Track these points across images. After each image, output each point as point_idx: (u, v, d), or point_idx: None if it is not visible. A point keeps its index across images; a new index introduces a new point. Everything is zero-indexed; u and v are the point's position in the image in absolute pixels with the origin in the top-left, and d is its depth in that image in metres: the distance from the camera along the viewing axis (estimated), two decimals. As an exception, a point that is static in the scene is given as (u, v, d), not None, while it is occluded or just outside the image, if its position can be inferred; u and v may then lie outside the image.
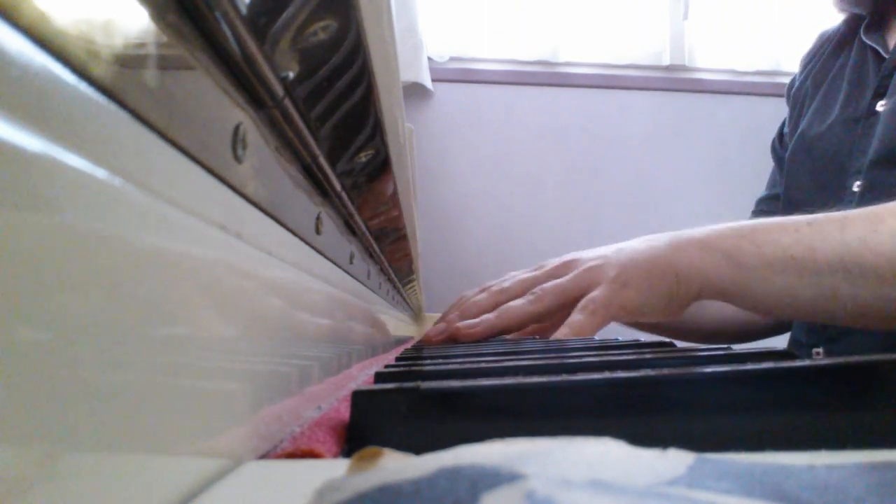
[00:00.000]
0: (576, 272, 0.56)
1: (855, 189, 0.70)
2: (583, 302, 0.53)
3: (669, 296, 0.53)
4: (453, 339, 0.58)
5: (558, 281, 0.56)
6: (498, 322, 0.56)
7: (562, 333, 0.53)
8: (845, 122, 0.74)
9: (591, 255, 0.57)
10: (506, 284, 0.59)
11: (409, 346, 0.85)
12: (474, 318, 0.58)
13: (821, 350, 0.73)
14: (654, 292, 0.53)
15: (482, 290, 0.62)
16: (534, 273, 0.59)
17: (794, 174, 0.82)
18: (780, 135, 0.92)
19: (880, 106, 0.70)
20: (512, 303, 0.56)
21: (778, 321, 0.83)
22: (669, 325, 0.80)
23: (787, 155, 0.84)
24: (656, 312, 0.54)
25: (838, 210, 0.73)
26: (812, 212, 0.77)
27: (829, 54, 0.83)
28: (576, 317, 0.53)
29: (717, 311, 0.81)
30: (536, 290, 0.56)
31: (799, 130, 0.82)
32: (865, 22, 0.78)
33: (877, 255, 0.47)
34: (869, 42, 0.76)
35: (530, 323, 0.56)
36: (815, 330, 0.74)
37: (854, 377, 0.20)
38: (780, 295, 0.50)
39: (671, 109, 1.89)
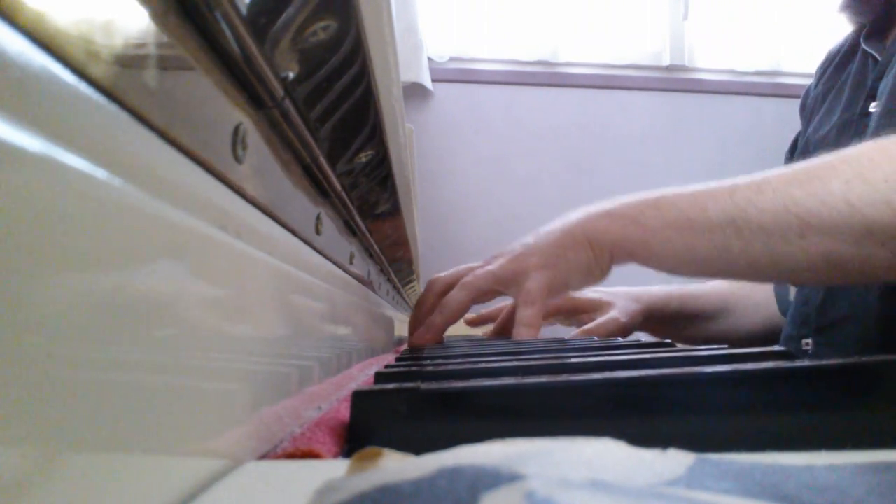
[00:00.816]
0: (503, 259, 0.62)
1: None
2: (521, 298, 0.60)
3: (588, 264, 0.59)
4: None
5: (487, 267, 0.62)
6: (441, 320, 0.62)
7: (517, 332, 0.60)
8: (842, 125, 0.77)
9: (514, 245, 0.64)
10: (441, 275, 0.66)
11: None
12: (423, 317, 0.65)
13: (809, 341, 0.75)
14: (573, 264, 0.59)
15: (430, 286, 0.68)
16: (468, 265, 0.66)
17: None
18: (793, 148, 0.93)
19: (873, 107, 0.71)
20: (447, 296, 0.63)
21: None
22: (693, 335, 0.86)
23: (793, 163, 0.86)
24: (581, 281, 0.61)
25: None
26: None
27: (838, 64, 0.84)
28: (522, 313, 0.59)
29: (745, 321, 0.85)
30: (468, 276, 0.62)
31: (803, 139, 0.84)
32: (866, 30, 0.79)
33: (761, 211, 0.52)
34: (868, 49, 0.77)
35: (468, 308, 0.63)
36: (804, 322, 0.76)
37: (854, 377, 0.20)
38: (680, 252, 0.56)
39: (671, 109, 1.89)
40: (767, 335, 0.87)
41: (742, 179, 0.56)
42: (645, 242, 0.57)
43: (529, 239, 0.63)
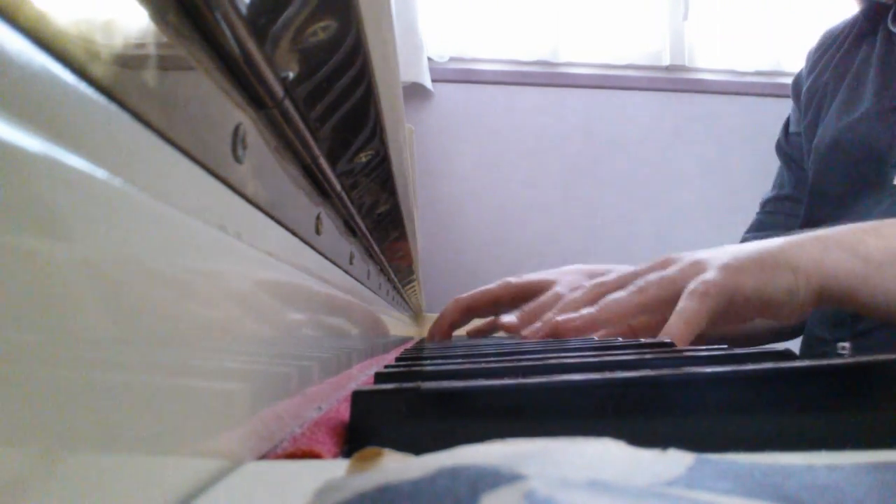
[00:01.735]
0: (681, 264, 0.51)
1: None
2: (691, 285, 0.47)
3: (789, 292, 0.46)
4: (554, 335, 0.55)
5: (664, 272, 0.51)
6: (599, 315, 0.52)
7: (672, 324, 0.47)
8: (880, 112, 0.71)
9: (692, 253, 0.53)
10: (605, 279, 0.56)
11: (409, 346, 0.85)
12: (576, 305, 0.54)
13: (847, 345, 0.70)
14: (770, 284, 0.46)
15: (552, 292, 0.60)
16: (633, 269, 0.55)
17: (823, 169, 0.78)
18: (786, 133, 0.91)
19: None
20: (613, 294, 0.52)
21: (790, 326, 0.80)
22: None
23: (811, 149, 0.81)
24: (774, 308, 0.47)
25: (879, 204, 0.70)
26: (848, 205, 0.74)
27: (850, 46, 0.80)
28: (684, 303, 0.46)
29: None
30: (639, 281, 0.51)
31: (823, 124, 0.79)
32: (893, 11, 0.75)
33: None
34: (895, 30, 0.73)
35: (635, 315, 0.52)
36: (842, 324, 0.71)
37: (854, 377, 0.20)
38: None
39: (671, 109, 1.89)
40: (753, 334, 0.82)
41: None
42: (866, 279, 0.45)
43: (710, 250, 0.51)
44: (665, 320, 0.51)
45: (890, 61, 0.74)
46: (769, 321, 0.79)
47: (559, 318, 0.54)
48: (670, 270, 0.51)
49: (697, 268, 0.49)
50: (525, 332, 0.59)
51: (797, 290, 0.46)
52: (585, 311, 0.53)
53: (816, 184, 0.80)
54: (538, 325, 0.57)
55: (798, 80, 0.90)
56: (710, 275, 0.47)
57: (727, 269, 0.47)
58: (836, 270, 0.46)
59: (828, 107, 0.80)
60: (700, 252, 0.52)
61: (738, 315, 0.48)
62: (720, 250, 0.51)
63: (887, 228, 0.47)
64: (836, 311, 0.71)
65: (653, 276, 0.51)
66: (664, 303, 0.50)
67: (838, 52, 0.82)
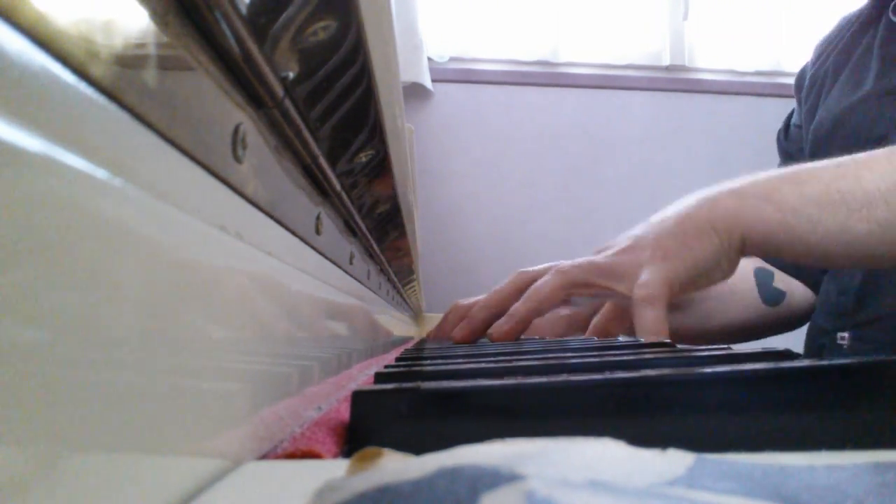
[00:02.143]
0: (607, 252, 0.53)
1: None
2: (636, 293, 0.48)
3: (715, 254, 0.48)
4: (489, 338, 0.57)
5: (591, 258, 0.53)
6: (526, 309, 0.53)
7: (644, 336, 0.49)
8: (881, 95, 0.72)
9: (620, 238, 0.54)
10: (530, 268, 0.58)
11: (409, 346, 0.85)
12: (498, 305, 0.56)
13: (846, 335, 0.70)
14: (697, 254, 0.48)
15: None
16: (560, 262, 0.57)
17: (821, 153, 0.79)
18: (787, 127, 0.91)
19: None
20: (536, 283, 0.53)
21: (787, 317, 0.80)
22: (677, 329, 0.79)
23: (809, 137, 0.81)
24: (707, 276, 0.49)
25: None
26: None
27: (853, 35, 0.81)
28: (642, 315, 0.48)
29: (720, 311, 0.79)
30: (560, 266, 0.53)
31: (823, 107, 0.79)
32: (894, 3, 0.76)
33: None
34: None
35: (559, 298, 0.53)
36: (844, 314, 0.71)
37: (854, 377, 0.20)
38: (832, 235, 0.45)
39: (671, 110, 1.89)
40: (746, 328, 0.79)
41: None
42: (784, 224, 0.46)
43: (638, 230, 0.53)
44: (609, 323, 0.53)
45: (892, 47, 0.74)
46: (760, 313, 0.79)
47: (490, 330, 0.55)
48: (597, 257, 0.53)
49: (625, 259, 0.50)
50: (456, 335, 0.62)
51: (722, 249, 0.48)
52: (513, 308, 0.54)
53: None
54: (465, 325, 0.59)
55: (802, 72, 0.90)
56: (645, 277, 0.48)
57: (654, 259, 0.48)
58: (753, 220, 0.47)
59: (828, 91, 0.80)
60: (625, 235, 0.53)
61: (689, 288, 0.49)
62: (644, 229, 0.52)
63: (799, 175, 0.48)
64: (839, 302, 0.72)
65: (578, 260, 0.53)
66: (584, 286, 0.52)
67: (842, 40, 0.82)
